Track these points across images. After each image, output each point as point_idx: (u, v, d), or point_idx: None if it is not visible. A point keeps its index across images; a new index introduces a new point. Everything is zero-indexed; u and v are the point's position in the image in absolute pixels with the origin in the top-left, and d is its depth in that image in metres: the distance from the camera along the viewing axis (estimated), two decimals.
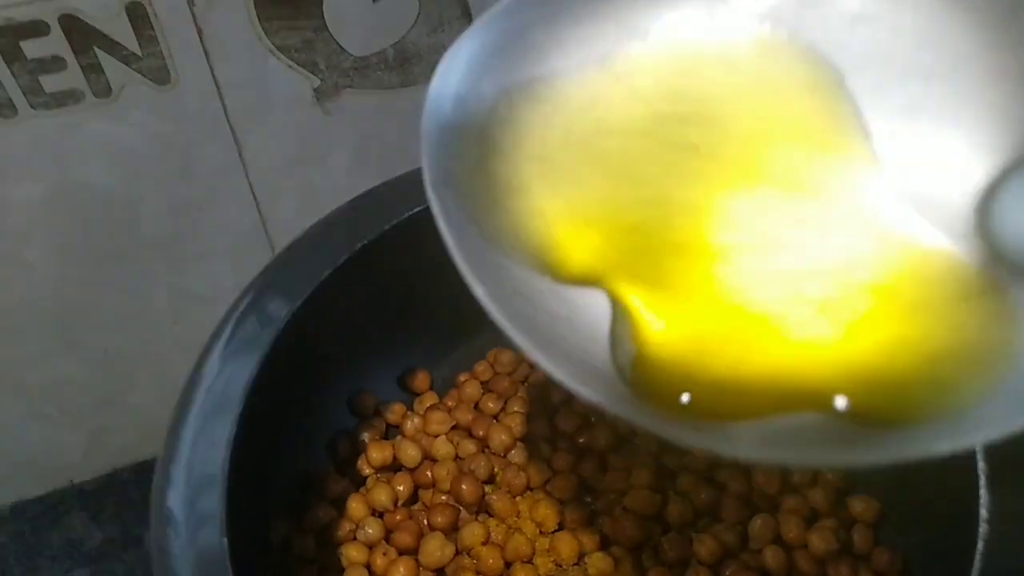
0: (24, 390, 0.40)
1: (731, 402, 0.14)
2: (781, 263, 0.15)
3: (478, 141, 0.16)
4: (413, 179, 0.27)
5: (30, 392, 0.40)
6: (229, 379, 0.23)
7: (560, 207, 0.16)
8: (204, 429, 0.23)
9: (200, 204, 0.37)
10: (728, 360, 0.15)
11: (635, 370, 0.14)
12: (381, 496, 0.28)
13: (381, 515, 0.28)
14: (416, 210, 0.26)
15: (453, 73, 0.15)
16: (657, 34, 0.16)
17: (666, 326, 0.15)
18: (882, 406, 0.14)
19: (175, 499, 0.22)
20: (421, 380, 0.32)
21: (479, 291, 0.14)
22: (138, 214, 0.36)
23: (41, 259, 0.36)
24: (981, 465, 0.19)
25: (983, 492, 0.18)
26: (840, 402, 0.14)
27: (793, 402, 0.14)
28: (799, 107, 0.15)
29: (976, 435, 0.13)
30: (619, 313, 0.15)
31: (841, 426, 0.13)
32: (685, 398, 0.14)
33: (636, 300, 0.15)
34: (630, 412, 0.14)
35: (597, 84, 0.16)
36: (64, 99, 0.30)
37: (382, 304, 0.29)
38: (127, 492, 0.44)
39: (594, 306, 0.15)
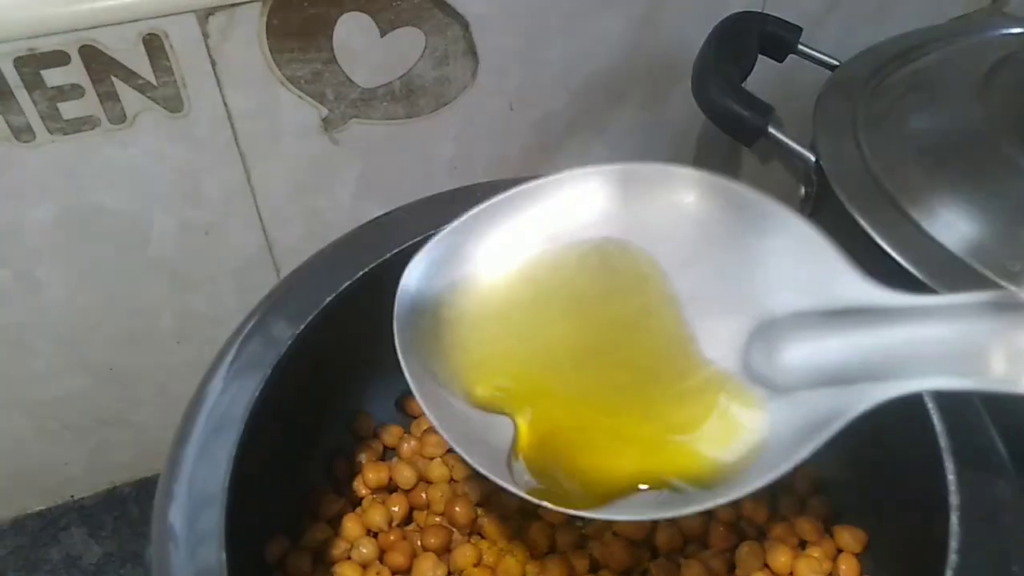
0: (29, 405, 0.41)
1: (594, 486, 0.21)
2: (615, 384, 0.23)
3: (432, 317, 0.24)
4: (416, 209, 0.28)
5: (35, 407, 0.41)
6: (232, 399, 0.24)
7: (478, 360, 0.23)
8: (206, 447, 0.23)
9: (208, 227, 0.38)
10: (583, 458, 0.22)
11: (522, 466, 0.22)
12: (376, 516, 0.29)
13: (376, 535, 0.29)
14: (417, 239, 0.27)
15: (414, 274, 0.24)
16: (547, 244, 0.24)
17: (535, 441, 0.23)
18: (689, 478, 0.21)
19: (176, 515, 0.22)
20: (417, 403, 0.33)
21: (430, 415, 0.22)
22: (148, 236, 0.37)
23: (51, 278, 0.36)
24: (953, 500, 0.19)
25: (953, 524, 0.19)
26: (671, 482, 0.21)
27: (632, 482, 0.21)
28: (636, 288, 0.24)
29: (747, 488, 0.20)
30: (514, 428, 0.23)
31: (662, 494, 0.21)
32: (535, 483, 0.22)
33: (522, 421, 0.23)
34: (519, 495, 0.21)
35: (508, 277, 0.24)
36: (80, 125, 0.32)
37: (382, 329, 0.30)
38: (127, 508, 0.45)
39: (500, 423, 0.23)
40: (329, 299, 0.26)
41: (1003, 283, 0.28)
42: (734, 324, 0.22)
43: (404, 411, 0.33)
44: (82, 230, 0.35)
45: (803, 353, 0.21)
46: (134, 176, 0.34)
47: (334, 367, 0.29)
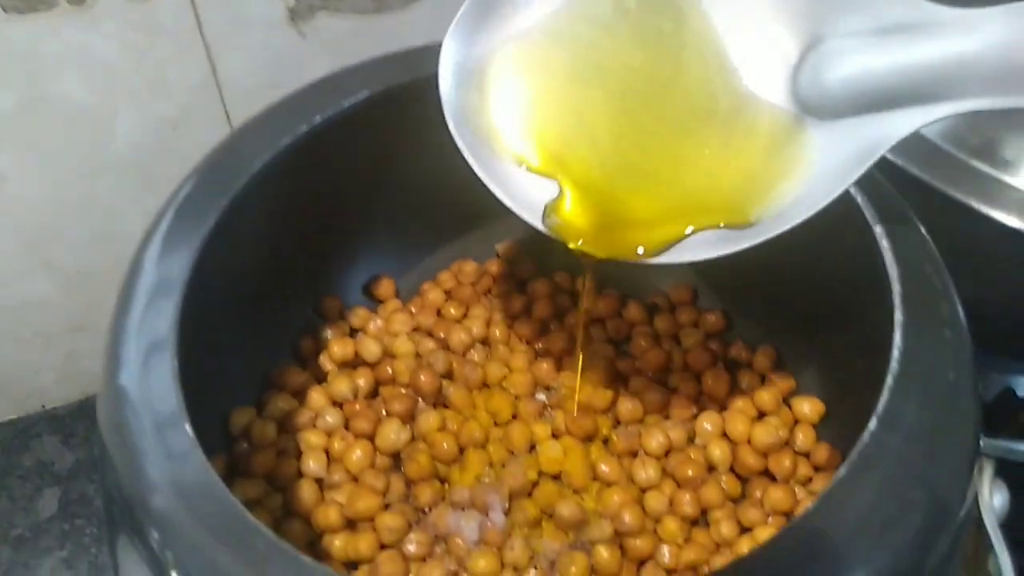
0: None
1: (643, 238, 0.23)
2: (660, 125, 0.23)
3: (478, 89, 0.24)
4: (370, 65, 0.28)
5: (2, 312, 0.41)
6: (171, 265, 0.23)
7: (524, 126, 0.24)
8: (149, 310, 0.22)
9: (174, 123, 0.37)
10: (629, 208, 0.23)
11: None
12: (341, 387, 0.29)
13: (341, 406, 0.29)
14: (372, 92, 0.27)
15: (452, 45, 0.24)
16: None
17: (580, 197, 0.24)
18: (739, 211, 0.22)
19: (127, 377, 0.21)
20: (386, 287, 0.33)
21: (482, 174, 0.23)
22: (113, 130, 0.37)
23: (14, 171, 0.36)
24: (897, 317, 0.20)
25: (896, 338, 0.19)
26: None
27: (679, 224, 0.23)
28: (675, 24, 0.23)
29: (794, 219, 0.21)
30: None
31: (718, 232, 0.22)
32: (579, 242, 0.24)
33: (567, 181, 0.24)
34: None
35: (545, 34, 0.24)
36: (37, 4, 0.31)
37: (342, 204, 0.30)
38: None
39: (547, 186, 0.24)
40: (271, 156, 0.25)
41: (976, 163, 0.29)
42: (779, 51, 0.22)
43: (372, 296, 0.33)
44: (43, 120, 0.35)
45: (850, 75, 0.21)
46: (96, 64, 0.34)
47: (293, 242, 0.29)
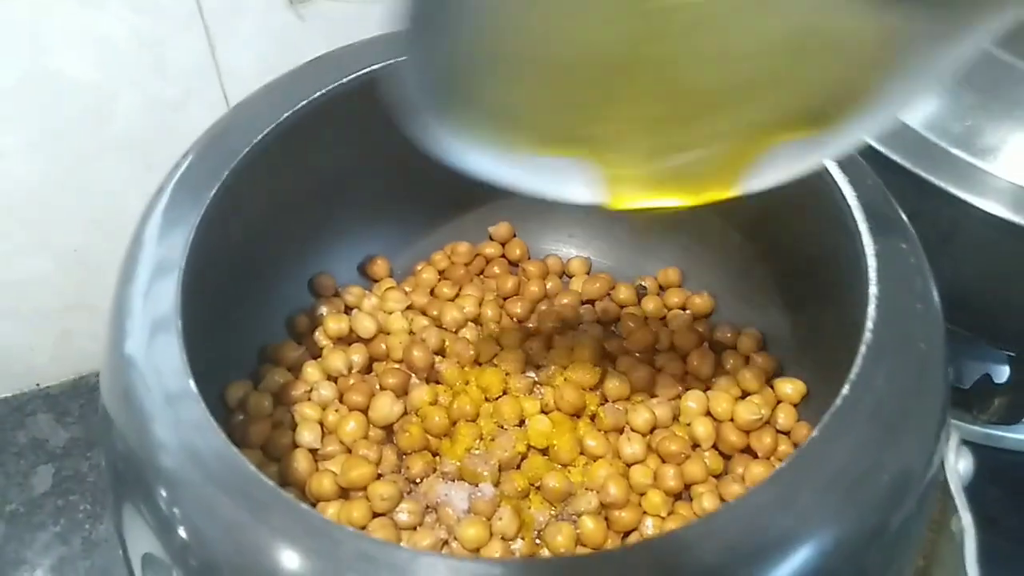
0: None
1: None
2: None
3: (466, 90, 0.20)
4: (365, 45, 0.28)
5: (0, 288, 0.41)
6: (171, 239, 0.23)
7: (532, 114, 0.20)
8: (151, 284, 0.22)
9: (174, 105, 0.38)
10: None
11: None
12: (336, 362, 0.30)
13: (335, 380, 0.30)
14: (368, 68, 0.27)
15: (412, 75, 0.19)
16: None
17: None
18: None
19: (133, 346, 0.21)
20: (380, 267, 0.33)
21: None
22: (113, 110, 0.37)
23: (14, 148, 0.36)
24: (872, 291, 0.21)
25: (870, 311, 0.20)
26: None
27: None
28: None
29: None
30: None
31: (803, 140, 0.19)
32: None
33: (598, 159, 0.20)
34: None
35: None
36: None
37: (338, 182, 0.31)
38: (94, 396, 0.45)
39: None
40: (269, 132, 0.25)
41: (957, 151, 0.30)
42: None
43: (366, 275, 0.34)
44: (44, 97, 0.35)
45: None
46: (97, 43, 0.34)
47: (290, 218, 0.30)
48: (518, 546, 0.27)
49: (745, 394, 0.31)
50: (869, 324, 0.20)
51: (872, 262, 0.21)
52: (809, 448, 0.18)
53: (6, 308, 0.42)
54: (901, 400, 0.19)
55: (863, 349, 0.19)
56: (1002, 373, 0.38)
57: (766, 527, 0.17)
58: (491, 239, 0.35)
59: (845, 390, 0.19)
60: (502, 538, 0.27)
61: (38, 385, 0.46)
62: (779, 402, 0.30)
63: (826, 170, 0.23)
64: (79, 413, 0.45)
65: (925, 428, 0.19)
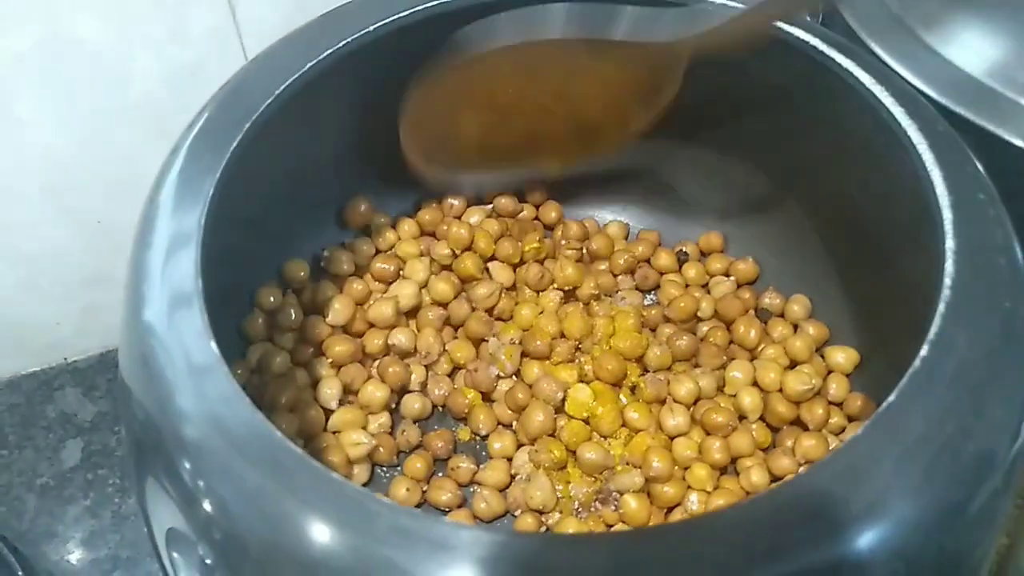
0: (16, 258, 0.40)
1: None
2: None
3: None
4: None
5: (22, 261, 0.41)
6: (189, 201, 0.22)
7: None
8: (169, 249, 0.21)
9: (193, 69, 0.37)
10: None
11: None
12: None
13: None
14: (390, 22, 0.26)
15: None
16: None
17: None
18: None
19: (151, 313, 0.21)
20: (408, 227, 0.32)
21: None
22: (131, 75, 0.36)
23: (33, 116, 0.36)
24: (949, 245, 0.19)
25: (948, 266, 0.19)
26: None
27: None
28: None
29: None
30: None
31: None
32: None
33: None
34: None
35: None
36: None
37: (361, 141, 0.29)
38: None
39: None
40: (288, 83, 0.24)
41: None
42: None
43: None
44: (62, 64, 0.34)
45: None
46: (113, 6, 0.33)
47: (312, 175, 0.29)
48: (555, 519, 0.26)
49: (794, 364, 0.29)
50: (947, 281, 0.18)
51: (948, 214, 0.19)
52: (885, 415, 0.17)
53: (30, 281, 0.41)
54: (986, 363, 0.17)
55: (941, 308, 0.18)
56: None
57: (839, 502, 0.16)
58: (527, 201, 0.33)
59: (924, 351, 0.17)
60: (540, 511, 0.25)
61: (65, 359, 0.45)
62: (830, 372, 0.29)
63: (890, 114, 0.21)
64: (107, 387, 0.44)
65: (1012, 393, 0.17)
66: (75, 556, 0.37)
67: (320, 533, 0.15)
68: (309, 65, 0.25)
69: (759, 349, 0.30)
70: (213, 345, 0.18)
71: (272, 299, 0.28)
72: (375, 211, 0.32)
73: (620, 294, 0.31)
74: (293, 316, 0.28)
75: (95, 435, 0.42)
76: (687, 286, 0.31)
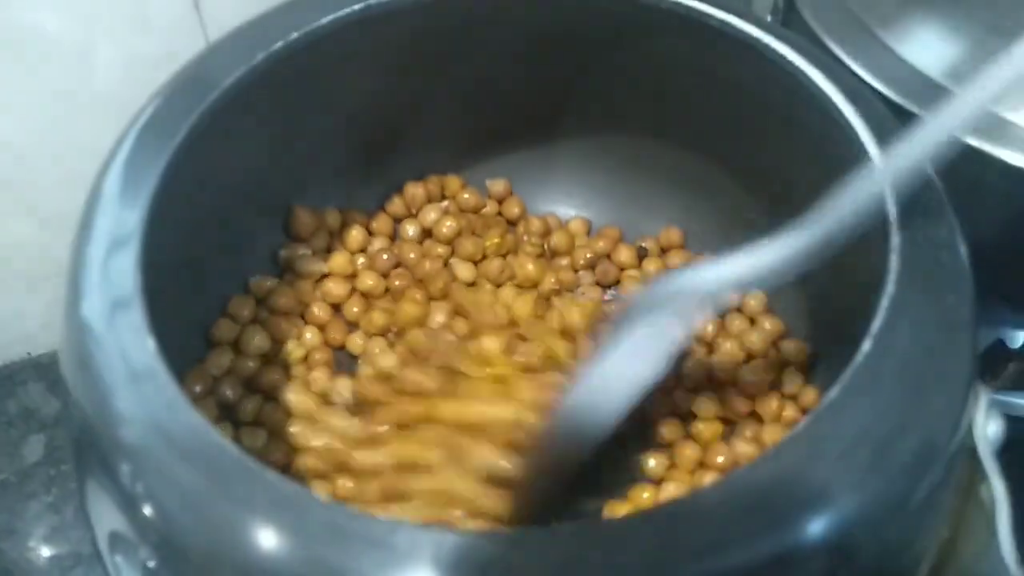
0: None
1: None
2: None
3: None
4: None
5: None
6: (132, 199, 0.22)
7: None
8: (110, 245, 0.21)
9: (156, 60, 0.36)
10: None
11: None
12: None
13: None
14: (359, 7, 0.25)
15: None
16: None
17: None
18: None
19: (89, 308, 0.20)
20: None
21: None
22: (92, 67, 0.35)
23: None
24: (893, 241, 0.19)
25: (892, 262, 0.19)
26: None
27: None
28: None
29: None
30: None
31: None
32: None
33: None
34: None
35: None
36: None
37: (323, 134, 0.29)
38: None
39: None
40: (245, 71, 0.24)
41: None
42: None
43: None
44: (20, 55, 0.34)
45: None
46: None
47: (269, 169, 0.28)
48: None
49: (749, 356, 0.30)
50: (891, 276, 0.18)
51: (892, 210, 0.20)
52: (829, 408, 0.17)
53: None
54: (928, 356, 0.18)
55: (885, 302, 0.18)
56: (1017, 338, 0.36)
57: (782, 496, 0.16)
58: (489, 196, 0.33)
59: (867, 346, 0.18)
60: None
61: (29, 354, 0.45)
62: (786, 365, 0.29)
63: (839, 112, 0.21)
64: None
65: (954, 387, 0.18)
66: (36, 553, 0.37)
67: (258, 534, 0.15)
68: (266, 53, 0.24)
69: (716, 342, 0.30)
70: (151, 344, 0.18)
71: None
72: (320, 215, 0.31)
73: (580, 289, 0.31)
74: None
75: (58, 431, 0.42)
76: (647, 281, 0.32)
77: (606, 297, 0.32)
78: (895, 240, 0.19)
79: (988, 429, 0.18)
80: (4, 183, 0.38)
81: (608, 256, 0.32)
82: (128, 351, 0.18)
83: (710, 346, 0.30)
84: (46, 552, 0.37)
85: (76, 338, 0.19)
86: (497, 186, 0.33)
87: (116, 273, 0.20)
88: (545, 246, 0.32)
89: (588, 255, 0.32)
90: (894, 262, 0.19)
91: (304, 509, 0.15)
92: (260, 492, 0.16)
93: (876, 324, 0.18)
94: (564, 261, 0.32)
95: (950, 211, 0.20)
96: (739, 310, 0.31)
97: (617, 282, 0.32)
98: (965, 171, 0.27)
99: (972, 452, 0.18)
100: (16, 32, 0.33)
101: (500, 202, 0.33)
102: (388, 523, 0.15)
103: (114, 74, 0.36)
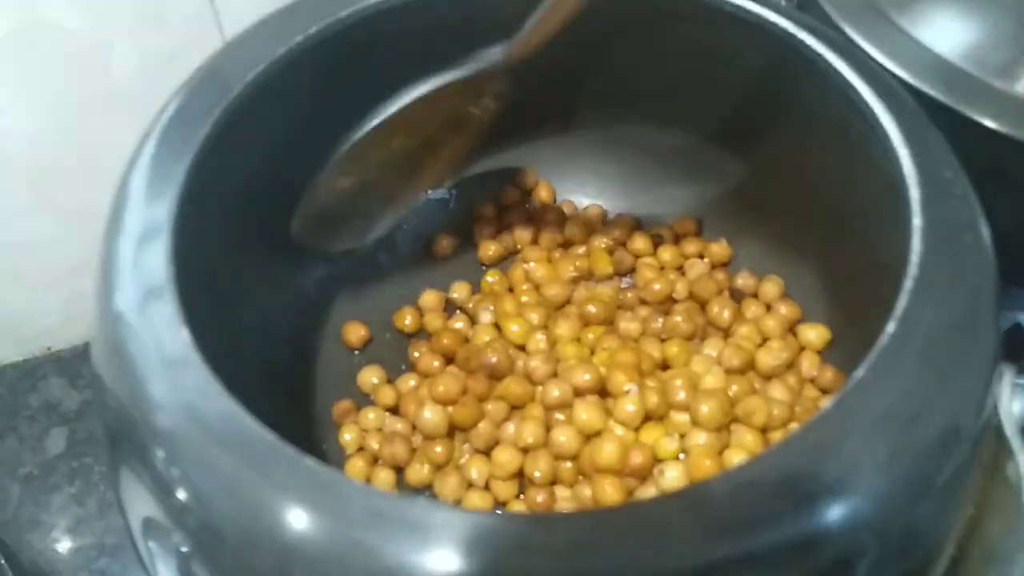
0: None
1: None
2: None
3: None
4: None
5: (5, 250, 0.40)
6: (160, 193, 0.22)
7: None
8: (140, 239, 0.21)
9: (172, 55, 0.36)
10: None
11: None
12: None
13: None
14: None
15: None
16: None
17: None
18: None
19: (122, 300, 0.20)
20: None
21: None
22: (108, 62, 0.36)
23: (10, 104, 0.35)
24: (916, 222, 0.19)
25: (915, 243, 0.19)
26: None
27: None
28: None
29: None
30: None
31: None
32: None
33: None
34: None
35: None
36: None
37: (341, 127, 0.29)
38: None
39: None
40: (266, 65, 0.24)
41: (998, 83, 0.28)
42: None
43: None
44: (38, 51, 0.34)
45: None
46: None
47: (292, 164, 0.28)
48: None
49: (766, 341, 0.30)
50: (914, 258, 0.18)
51: (915, 192, 0.20)
52: (853, 390, 0.17)
53: (12, 270, 0.41)
54: (952, 337, 0.18)
55: (909, 284, 0.18)
56: None
57: (808, 477, 0.16)
58: (514, 186, 0.34)
59: (891, 327, 0.18)
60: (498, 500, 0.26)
61: (49, 348, 0.45)
62: (802, 349, 0.29)
63: (859, 95, 0.21)
64: (90, 376, 0.44)
65: (978, 366, 0.18)
66: (60, 544, 0.37)
67: (294, 518, 0.15)
68: (287, 47, 0.24)
69: (733, 329, 0.30)
70: (185, 333, 0.18)
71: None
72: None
73: (594, 279, 0.31)
74: None
75: (80, 423, 0.42)
76: (662, 268, 0.32)
77: (622, 285, 0.32)
78: (917, 221, 0.19)
79: (1014, 406, 0.18)
80: (25, 179, 0.38)
81: (623, 244, 0.32)
82: (162, 340, 0.18)
83: (726, 332, 0.30)
84: (70, 543, 0.37)
85: (109, 329, 0.19)
86: (527, 176, 0.34)
87: (148, 264, 0.20)
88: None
89: (605, 242, 0.32)
90: (917, 244, 0.19)
91: (339, 492, 0.16)
92: (295, 476, 0.16)
93: (900, 305, 0.18)
94: (580, 249, 0.32)
95: (972, 192, 0.20)
96: (755, 296, 0.31)
97: (632, 270, 0.32)
98: (985, 155, 0.28)
99: (998, 430, 0.18)
100: (35, 31, 0.33)
101: (529, 192, 0.33)
102: (423, 505, 0.15)
103: (130, 69, 0.36)
